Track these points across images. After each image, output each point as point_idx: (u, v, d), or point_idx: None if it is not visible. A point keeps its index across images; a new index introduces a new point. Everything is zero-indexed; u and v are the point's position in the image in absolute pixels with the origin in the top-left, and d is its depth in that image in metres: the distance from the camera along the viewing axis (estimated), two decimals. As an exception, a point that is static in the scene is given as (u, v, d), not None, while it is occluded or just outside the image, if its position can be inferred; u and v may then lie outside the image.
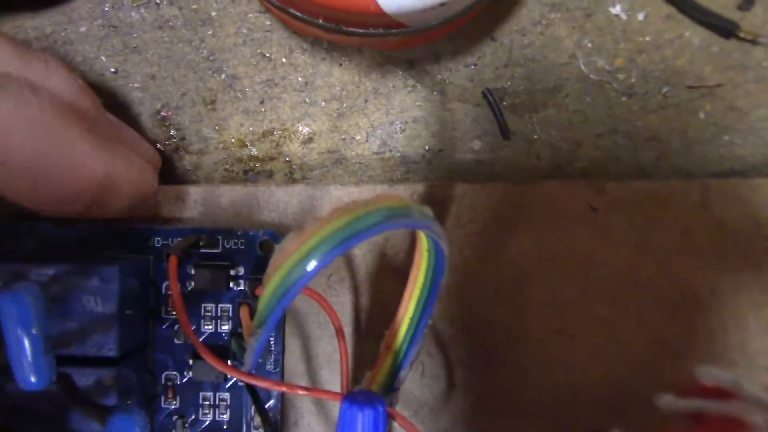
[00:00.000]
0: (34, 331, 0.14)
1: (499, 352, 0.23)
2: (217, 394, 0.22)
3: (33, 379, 0.14)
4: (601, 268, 0.23)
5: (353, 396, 0.17)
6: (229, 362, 0.21)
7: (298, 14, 0.21)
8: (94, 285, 0.20)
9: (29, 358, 0.13)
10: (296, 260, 0.15)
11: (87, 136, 0.19)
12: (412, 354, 0.19)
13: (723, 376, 0.14)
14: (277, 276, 0.16)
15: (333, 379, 0.23)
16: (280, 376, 0.23)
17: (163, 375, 0.22)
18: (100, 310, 0.20)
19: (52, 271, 0.20)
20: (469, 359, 0.23)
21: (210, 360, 0.18)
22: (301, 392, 0.18)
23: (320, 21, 0.21)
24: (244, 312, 0.20)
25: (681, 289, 0.23)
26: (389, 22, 0.20)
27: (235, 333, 0.21)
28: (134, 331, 0.21)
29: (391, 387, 0.20)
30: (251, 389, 0.19)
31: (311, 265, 0.15)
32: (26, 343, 0.13)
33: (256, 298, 0.21)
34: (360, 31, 0.21)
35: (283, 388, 0.18)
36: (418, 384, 0.23)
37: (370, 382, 0.20)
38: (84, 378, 0.19)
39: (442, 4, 0.20)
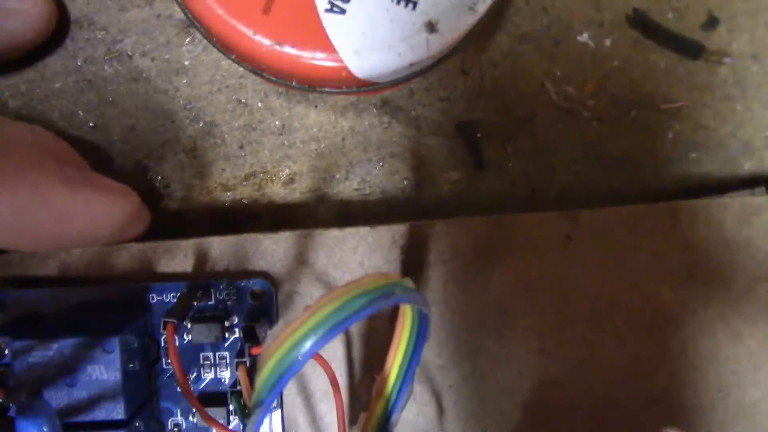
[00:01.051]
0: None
1: (485, 376, 0.24)
2: (222, 435, 0.24)
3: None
4: (578, 292, 0.24)
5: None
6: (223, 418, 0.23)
7: (272, 78, 0.21)
8: (98, 355, 0.21)
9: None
10: (288, 348, 0.16)
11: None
12: (402, 400, 0.21)
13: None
14: (271, 362, 0.17)
15: (330, 411, 0.24)
16: (281, 411, 0.24)
17: (170, 421, 0.24)
18: (105, 378, 0.21)
19: (56, 345, 0.21)
20: (457, 385, 0.24)
21: (216, 427, 0.19)
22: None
23: (293, 83, 0.21)
24: (242, 372, 0.21)
25: (654, 306, 0.24)
26: (361, 83, 0.21)
27: (235, 391, 0.22)
28: (139, 387, 0.22)
29: (385, 429, 0.21)
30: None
31: (302, 353, 0.16)
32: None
33: (252, 357, 0.22)
34: (333, 90, 0.21)
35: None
36: (412, 410, 0.24)
37: (365, 425, 0.21)
38: (96, 443, 0.21)
39: (411, 65, 0.20)
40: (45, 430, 0.15)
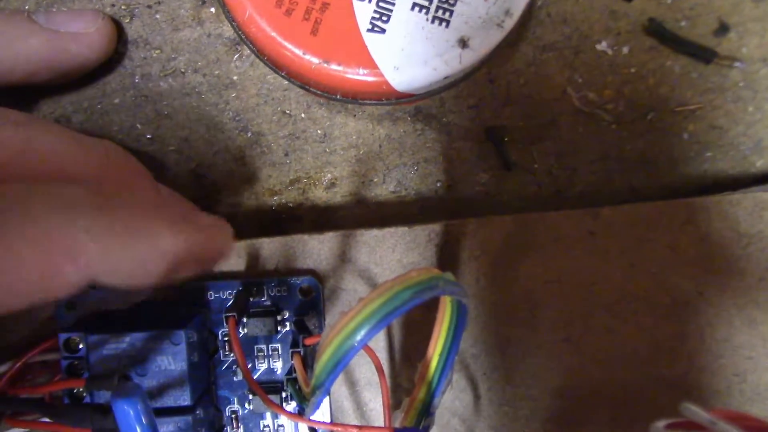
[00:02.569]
0: (147, 426, 0.17)
1: (516, 363, 0.26)
2: (275, 420, 0.26)
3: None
4: (600, 284, 0.26)
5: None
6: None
7: (318, 92, 0.23)
8: (166, 347, 0.23)
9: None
10: (345, 336, 0.19)
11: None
12: (442, 385, 0.23)
13: (702, 415, 0.17)
14: (329, 349, 0.19)
15: (374, 398, 0.26)
16: (329, 399, 0.26)
17: (227, 408, 0.26)
18: (172, 368, 0.23)
19: (128, 339, 0.23)
20: (490, 372, 0.26)
21: (275, 409, 0.21)
22: (353, 430, 0.21)
23: (338, 96, 0.23)
24: (297, 361, 0.23)
25: (672, 296, 0.26)
26: (399, 95, 0.23)
27: (290, 378, 0.24)
28: (200, 376, 0.24)
29: (427, 412, 0.23)
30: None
31: (358, 340, 0.18)
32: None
33: (306, 347, 0.24)
34: (374, 102, 0.24)
35: (338, 428, 0.21)
36: (449, 396, 0.26)
37: (409, 409, 0.23)
38: (165, 426, 0.23)
39: (445, 78, 0.22)
40: (140, 408, 0.17)
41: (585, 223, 0.26)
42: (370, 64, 0.22)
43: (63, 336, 0.23)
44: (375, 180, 0.27)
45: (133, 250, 0.19)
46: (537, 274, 0.26)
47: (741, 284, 0.26)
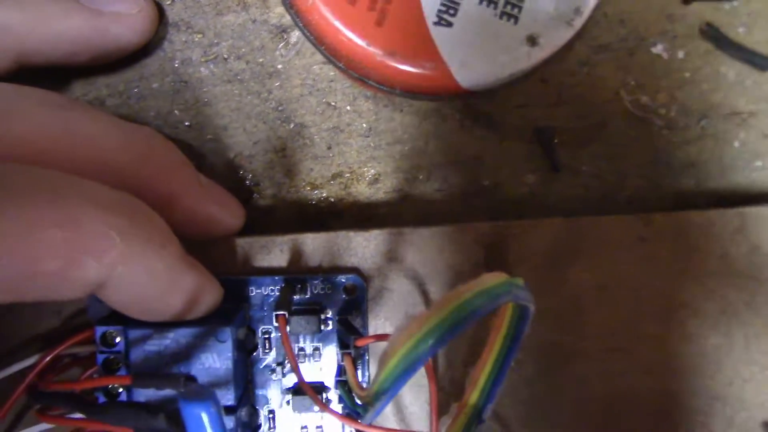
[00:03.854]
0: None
1: (562, 370, 0.26)
2: (312, 422, 0.25)
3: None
4: (649, 291, 0.26)
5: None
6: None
7: (376, 84, 0.23)
8: (211, 344, 0.22)
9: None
10: (416, 341, 0.18)
11: None
12: (496, 392, 0.22)
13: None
14: (398, 354, 0.18)
15: (414, 401, 0.25)
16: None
17: (264, 407, 0.25)
18: (217, 366, 0.22)
19: (172, 334, 0.22)
20: (535, 378, 0.26)
21: (328, 411, 0.21)
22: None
23: (397, 90, 0.23)
24: (348, 363, 0.22)
25: (720, 306, 0.26)
26: (462, 92, 0.22)
27: (341, 380, 0.23)
28: (242, 376, 0.24)
29: (478, 419, 0.22)
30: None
31: (429, 347, 0.18)
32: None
33: (356, 348, 0.23)
34: (433, 97, 0.23)
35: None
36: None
37: (458, 414, 0.23)
38: (207, 426, 0.22)
39: (511, 75, 0.22)
40: (213, 412, 0.16)
41: (636, 229, 0.25)
42: (436, 58, 0.21)
43: (100, 329, 0.22)
44: (420, 177, 0.27)
45: (153, 261, 0.19)
46: (585, 279, 0.25)
47: (789, 295, 0.26)
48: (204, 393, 0.16)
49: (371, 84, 0.23)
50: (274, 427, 0.25)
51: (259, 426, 0.25)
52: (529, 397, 0.26)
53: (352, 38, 0.21)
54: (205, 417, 0.16)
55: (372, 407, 0.19)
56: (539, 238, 0.25)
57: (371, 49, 0.21)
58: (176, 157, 0.23)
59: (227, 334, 0.22)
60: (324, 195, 0.27)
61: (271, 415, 0.25)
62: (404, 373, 0.18)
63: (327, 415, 0.25)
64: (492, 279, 0.18)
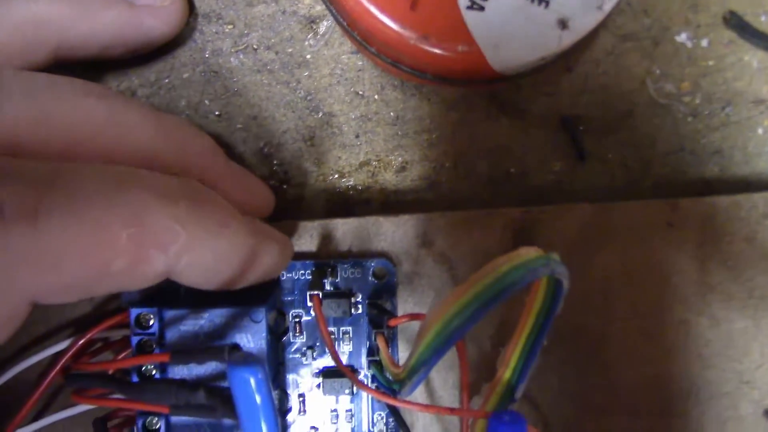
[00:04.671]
0: (268, 401, 0.16)
1: (589, 354, 0.26)
2: (342, 404, 0.25)
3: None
4: (676, 276, 0.26)
5: (499, 416, 0.20)
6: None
7: (408, 69, 0.23)
8: (245, 325, 0.22)
9: (264, 427, 0.16)
10: (454, 313, 0.18)
11: None
12: (529, 369, 0.22)
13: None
14: (436, 326, 0.18)
15: (444, 384, 0.26)
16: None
17: (294, 392, 0.25)
18: (251, 346, 0.22)
19: (207, 315, 0.22)
20: (563, 362, 0.26)
21: (365, 389, 0.21)
22: (447, 413, 0.20)
23: (428, 75, 0.23)
24: (381, 341, 0.23)
25: (748, 289, 0.26)
26: (494, 76, 0.22)
27: (373, 360, 0.24)
28: (273, 359, 0.24)
29: (510, 398, 0.22)
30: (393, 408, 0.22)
31: (468, 319, 0.18)
32: (262, 412, 0.16)
33: (389, 328, 0.23)
34: (463, 81, 0.23)
35: (432, 410, 0.21)
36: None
37: (490, 394, 0.23)
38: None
39: (542, 59, 0.22)
40: (261, 377, 0.16)
41: (663, 214, 0.26)
42: (470, 42, 0.22)
43: (134, 311, 0.22)
44: (446, 165, 0.27)
45: (218, 243, 0.19)
46: (613, 263, 0.26)
47: (817, 279, 0.26)
48: (252, 359, 0.16)
49: (403, 69, 0.23)
50: (305, 411, 0.25)
51: (290, 409, 0.25)
52: (557, 382, 0.26)
53: (386, 22, 0.22)
54: (252, 381, 0.16)
55: (409, 381, 0.19)
56: (568, 223, 0.26)
57: (405, 32, 0.22)
58: (209, 144, 0.24)
59: (261, 314, 0.22)
60: (352, 183, 0.27)
61: (301, 399, 0.25)
62: (442, 346, 0.18)
63: (357, 399, 0.25)
64: (529, 252, 0.19)
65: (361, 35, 0.23)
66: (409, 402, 0.21)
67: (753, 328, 0.26)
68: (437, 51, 0.22)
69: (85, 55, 0.24)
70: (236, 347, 0.21)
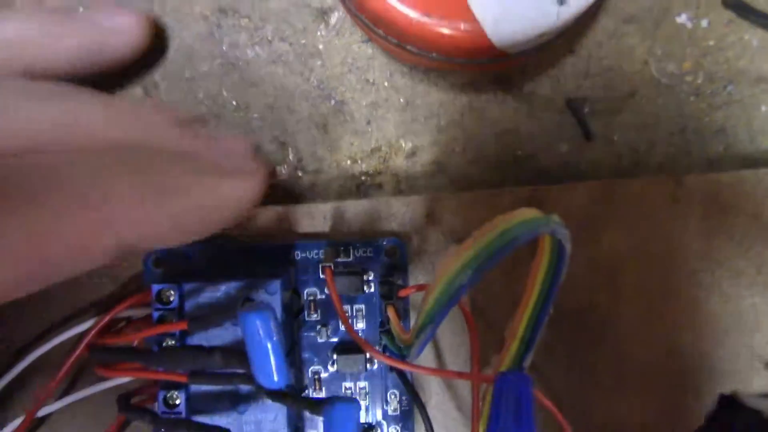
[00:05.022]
0: (275, 339, 0.17)
1: (596, 331, 0.26)
2: (357, 382, 0.26)
3: (276, 379, 0.17)
4: (683, 252, 0.26)
5: (504, 375, 0.20)
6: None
7: (414, 50, 0.24)
8: (260, 297, 0.23)
9: (273, 362, 0.17)
10: (459, 268, 0.19)
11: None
12: (537, 338, 0.23)
13: None
14: (438, 286, 0.19)
15: (456, 360, 0.26)
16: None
17: (309, 370, 0.26)
18: (266, 318, 0.23)
19: (224, 287, 0.23)
20: (569, 339, 0.26)
21: (377, 356, 0.22)
22: (455, 377, 0.21)
23: (433, 55, 0.24)
24: (392, 311, 0.23)
25: (756, 264, 0.26)
26: (494, 53, 0.23)
27: (384, 331, 0.24)
28: (288, 337, 0.24)
29: (519, 367, 0.23)
30: (402, 375, 0.23)
31: (470, 274, 0.18)
32: (270, 349, 0.17)
33: (399, 299, 0.24)
34: (468, 61, 0.24)
35: (441, 374, 0.21)
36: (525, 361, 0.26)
37: (499, 365, 0.23)
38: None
39: (541, 35, 0.23)
40: (266, 319, 0.17)
41: (668, 189, 0.26)
42: (471, 19, 0.22)
43: (156, 287, 0.23)
44: (456, 149, 0.28)
45: (168, 209, 0.20)
46: (619, 240, 0.26)
47: (825, 252, 0.26)
48: (260, 305, 0.17)
49: (409, 50, 0.24)
50: (320, 389, 0.26)
51: (305, 387, 0.26)
52: (567, 358, 0.26)
53: (390, 2, 0.23)
54: (259, 324, 0.17)
55: (417, 341, 0.20)
56: (575, 200, 0.26)
57: (408, 11, 0.23)
58: (167, 118, 0.23)
59: (276, 286, 0.23)
60: (364, 168, 0.28)
61: (316, 377, 0.26)
62: (447, 302, 0.19)
63: (371, 378, 0.25)
64: (529, 212, 0.19)
65: (368, 17, 0.24)
66: (419, 366, 0.21)
67: (763, 304, 0.26)
68: (439, 29, 0.23)
69: (54, 75, 0.24)
70: (249, 299, 0.21)
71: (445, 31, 0.23)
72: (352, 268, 0.25)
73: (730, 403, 0.22)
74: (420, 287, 0.24)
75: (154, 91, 0.28)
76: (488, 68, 0.26)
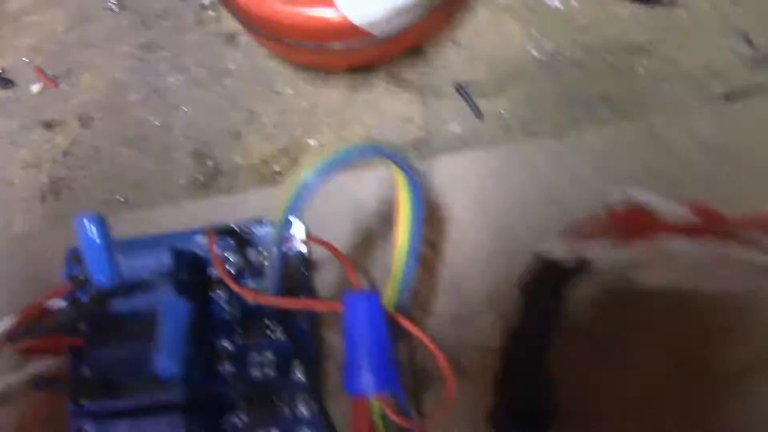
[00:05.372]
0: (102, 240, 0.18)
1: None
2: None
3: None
4: (572, 206, 0.27)
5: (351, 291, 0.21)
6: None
7: (290, 41, 0.27)
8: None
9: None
10: (303, 178, 0.20)
11: None
12: (410, 277, 0.23)
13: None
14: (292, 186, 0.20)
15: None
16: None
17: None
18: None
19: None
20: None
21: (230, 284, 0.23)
22: (324, 308, 0.22)
23: (310, 44, 0.27)
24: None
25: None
26: (358, 33, 0.26)
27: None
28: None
29: (398, 307, 0.23)
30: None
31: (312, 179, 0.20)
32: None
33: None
34: (344, 45, 0.27)
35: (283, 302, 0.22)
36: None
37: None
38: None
39: (401, 12, 0.25)
40: (99, 225, 0.18)
41: (550, 148, 0.27)
42: (330, 2, 0.25)
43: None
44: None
45: None
46: (510, 200, 0.27)
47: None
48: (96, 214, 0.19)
49: (287, 42, 0.27)
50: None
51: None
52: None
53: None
54: (86, 222, 0.18)
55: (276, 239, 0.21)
56: (468, 169, 0.27)
57: (274, 3, 0.26)
58: None
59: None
60: (276, 168, 0.30)
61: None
62: (295, 204, 0.20)
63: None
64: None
65: (254, 21, 0.27)
66: (283, 299, 0.22)
67: None
68: (302, 13, 0.25)
69: None
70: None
71: (308, 14, 0.25)
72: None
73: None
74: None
75: (89, 121, 0.31)
76: (369, 55, 0.29)
